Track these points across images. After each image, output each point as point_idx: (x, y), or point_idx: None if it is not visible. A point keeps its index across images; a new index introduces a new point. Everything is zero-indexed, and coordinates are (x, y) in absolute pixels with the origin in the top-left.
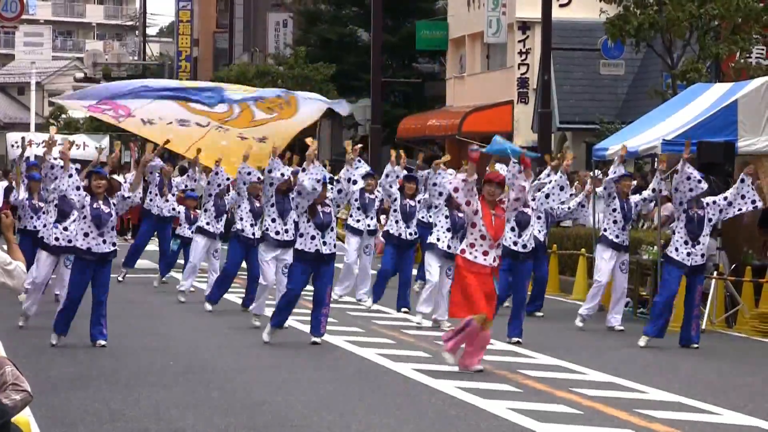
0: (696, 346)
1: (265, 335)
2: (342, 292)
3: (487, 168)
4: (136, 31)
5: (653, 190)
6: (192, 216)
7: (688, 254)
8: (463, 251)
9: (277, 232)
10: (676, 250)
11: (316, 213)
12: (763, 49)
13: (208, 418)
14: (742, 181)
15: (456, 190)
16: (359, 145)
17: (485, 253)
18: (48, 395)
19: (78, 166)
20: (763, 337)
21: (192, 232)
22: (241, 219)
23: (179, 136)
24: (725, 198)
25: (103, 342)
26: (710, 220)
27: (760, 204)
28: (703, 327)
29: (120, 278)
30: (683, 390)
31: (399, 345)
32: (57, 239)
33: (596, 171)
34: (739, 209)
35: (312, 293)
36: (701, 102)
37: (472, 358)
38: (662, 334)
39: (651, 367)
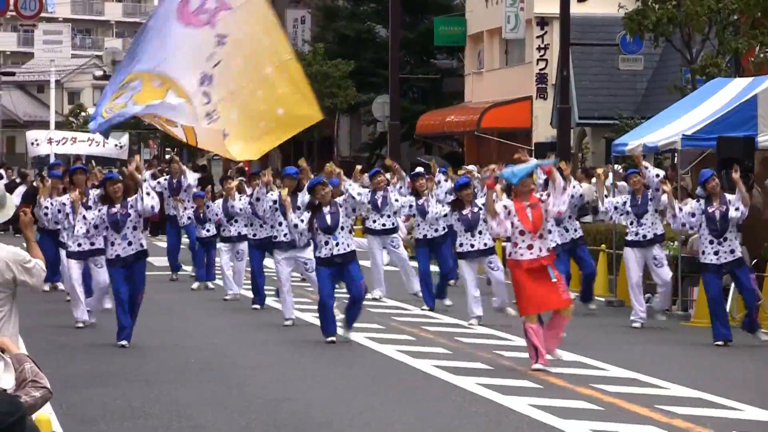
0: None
1: (332, 338)
2: (382, 293)
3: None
4: None
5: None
6: (200, 215)
7: (716, 253)
8: (509, 253)
9: (285, 234)
10: (703, 253)
11: (321, 218)
12: None
13: (229, 416)
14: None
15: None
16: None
17: (530, 247)
18: (68, 392)
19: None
20: None
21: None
22: (251, 225)
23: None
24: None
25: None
26: (736, 210)
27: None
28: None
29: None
30: (705, 386)
31: (419, 341)
32: (80, 245)
33: (616, 165)
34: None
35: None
36: (721, 97)
37: (549, 342)
38: (728, 335)
39: (672, 362)
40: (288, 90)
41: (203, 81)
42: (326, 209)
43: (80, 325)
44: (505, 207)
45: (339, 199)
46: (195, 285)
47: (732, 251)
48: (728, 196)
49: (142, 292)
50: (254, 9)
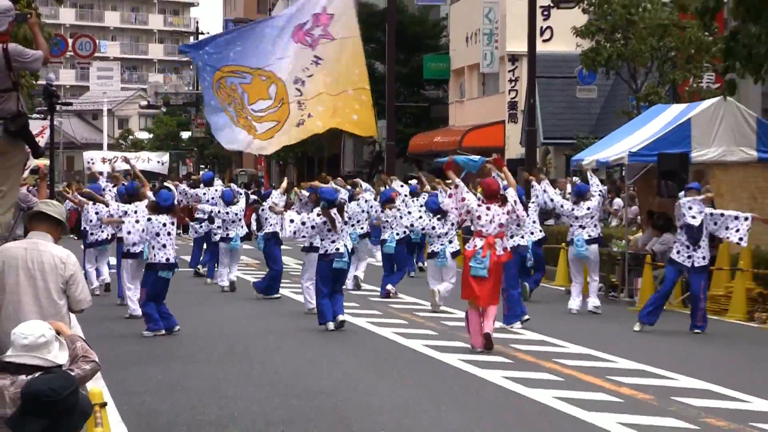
0: (698, 331)
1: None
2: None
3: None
4: (191, 66)
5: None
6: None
7: (689, 257)
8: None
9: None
10: (678, 252)
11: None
12: (712, 76)
13: (252, 388)
14: (745, 218)
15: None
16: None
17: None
18: (118, 370)
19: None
20: (713, 315)
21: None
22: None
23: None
24: (715, 222)
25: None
26: (708, 226)
27: (745, 240)
28: (664, 307)
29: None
30: (647, 360)
31: (411, 325)
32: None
33: (574, 177)
34: (727, 237)
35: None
36: (661, 120)
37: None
38: (653, 322)
39: (620, 340)
40: (360, 107)
41: (296, 82)
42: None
43: (127, 315)
44: (464, 199)
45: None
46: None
47: (704, 257)
48: (706, 210)
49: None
50: (351, 46)
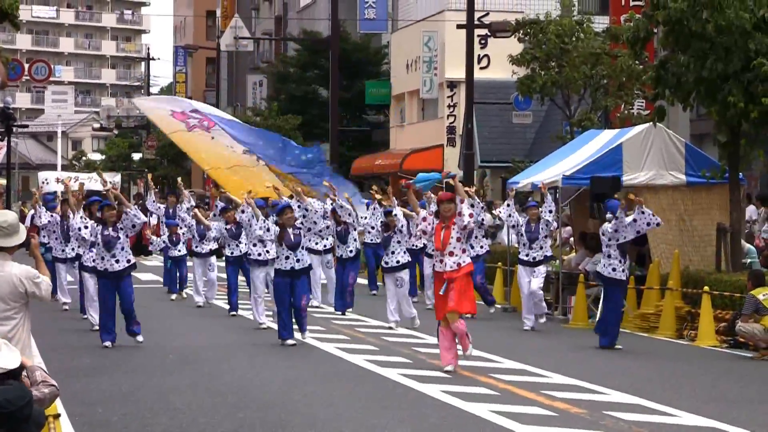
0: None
1: (288, 342)
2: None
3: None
4: (142, 90)
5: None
6: (173, 239)
7: (623, 270)
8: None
9: (260, 254)
10: (614, 270)
11: (285, 236)
12: (642, 102)
13: (200, 398)
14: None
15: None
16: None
17: (441, 261)
18: (71, 382)
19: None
20: (643, 332)
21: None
22: (228, 245)
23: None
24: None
25: (140, 338)
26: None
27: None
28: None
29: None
30: (580, 375)
31: (353, 340)
32: (94, 260)
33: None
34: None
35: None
36: (593, 145)
37: (447, 354)
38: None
39: (554, 356)
40: None
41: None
42: (290, 231)
43: (96, 328)
44: (425, 219)
45: (298, 224)
46: (173, 296)
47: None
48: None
49: (132, 302)
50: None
